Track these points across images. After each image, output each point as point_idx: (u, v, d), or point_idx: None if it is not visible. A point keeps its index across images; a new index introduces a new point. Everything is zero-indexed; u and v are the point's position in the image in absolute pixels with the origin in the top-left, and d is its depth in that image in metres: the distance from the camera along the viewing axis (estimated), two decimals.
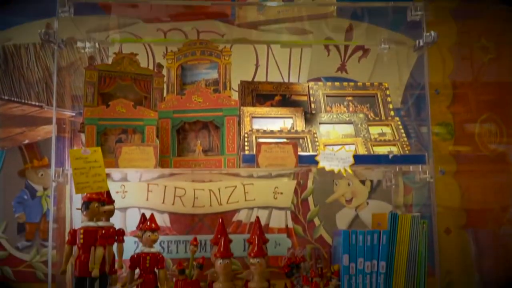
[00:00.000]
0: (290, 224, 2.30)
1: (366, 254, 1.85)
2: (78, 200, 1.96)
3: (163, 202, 2.26)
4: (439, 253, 1.89)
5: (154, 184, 2.27)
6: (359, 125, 2.05)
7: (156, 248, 1.88)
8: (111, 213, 1.81)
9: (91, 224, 1.74)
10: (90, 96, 2.00)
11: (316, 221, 2.31)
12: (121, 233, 1.78)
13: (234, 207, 2.29)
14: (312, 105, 2.15)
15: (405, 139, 2.01)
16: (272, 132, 1.97)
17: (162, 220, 2.23)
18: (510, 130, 2.44)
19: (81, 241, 1.71)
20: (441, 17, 2.44)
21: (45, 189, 2.26)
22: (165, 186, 2.27)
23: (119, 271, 1.81)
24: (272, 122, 2.04)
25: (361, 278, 1.84)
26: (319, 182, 2.32)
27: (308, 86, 2.20)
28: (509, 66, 2.48)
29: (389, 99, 2.17)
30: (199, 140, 1.93)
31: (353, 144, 1.95)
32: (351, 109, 2.17)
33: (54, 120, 1.90)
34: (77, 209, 1.83)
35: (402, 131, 2.05)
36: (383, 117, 2.13)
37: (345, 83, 2.22)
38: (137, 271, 1.85)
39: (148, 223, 1.86)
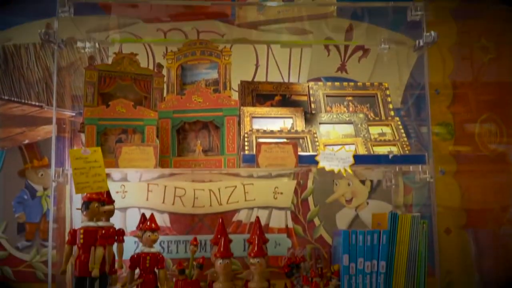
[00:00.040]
0: (290, 224, 2.30)
1: (366, 254, 1.85)
2: (78, 200, 1.96)
3: (163, 202, 2.26)
4: (439, 253, 1.89)
5: (154, 184, 2.27)
6: (359, 125, 2.05)
7: (156, 248, 1.88)
8: (111, 213, 1.81)
9: (91, 224, 1.74)
10: (90, 96, 1.99)
11: (316, 221, 2.31)
12: (121, 233, 1.78)
13: (234, 207, 2.29)
14: (312, 105, 2.15)
15: (405, 139, 2.01)
16: (272, 132, 1.97)
17: (162, 220, 2.23)
18: (510, 130, 2.44)
19: (81, 241, 1.71)
20: (441, 17, 2.44)
21: (45, 189, 2.26)
22: (165, 186, 2.27)
23: (119, 271, 1.80)
24: (272, 122, 2.04)
25: (361, 278, 1.84)
26: (319, 182, 2.32)
27: (308, 86, 2.20)
28: (509, 66, 2.48)
29: (389, 99, 2.17)
30: (199, 140, 1.93)
31: (353, 144, 1.95)
32: (351, 109, 2.17)
33: (54, 120, 1.90)
34: (77, 209, 1.83)
35: (402, 131, 2.05)
36: (383, 117, 2.13)
37: (345, 83, 2.22)
38: (137, 271, 1.85)
39: (148, 223, 1.86)
